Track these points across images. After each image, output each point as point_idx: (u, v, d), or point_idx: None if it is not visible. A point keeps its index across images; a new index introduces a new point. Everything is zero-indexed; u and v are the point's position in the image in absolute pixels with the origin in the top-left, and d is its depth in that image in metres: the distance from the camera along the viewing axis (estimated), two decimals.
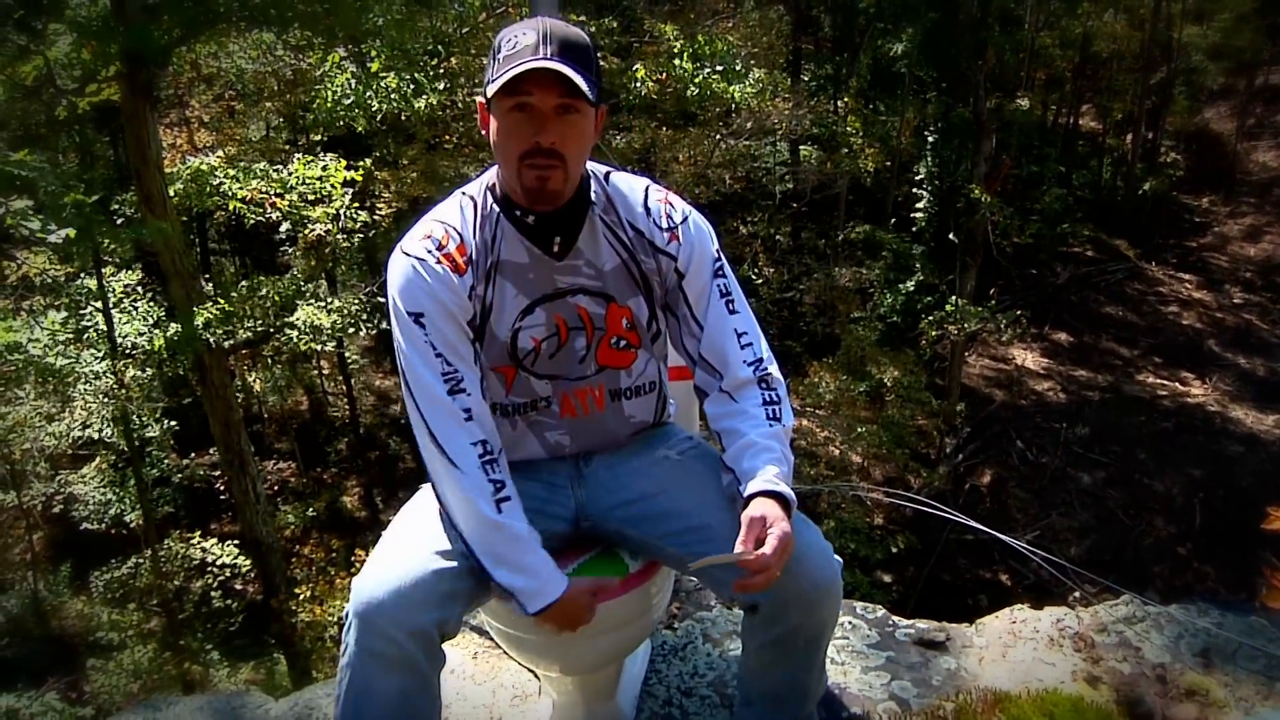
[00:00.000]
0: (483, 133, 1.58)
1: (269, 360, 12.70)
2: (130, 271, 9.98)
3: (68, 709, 8.94)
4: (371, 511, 13.94)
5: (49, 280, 10.94)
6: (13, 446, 9.70)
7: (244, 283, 9.15)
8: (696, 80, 8.41)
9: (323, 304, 8.71)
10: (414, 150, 10.60)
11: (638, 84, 8.69)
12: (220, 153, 9.86)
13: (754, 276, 14.66)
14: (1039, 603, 2.86)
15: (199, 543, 10.07)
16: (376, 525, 12.60)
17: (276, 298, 8.43)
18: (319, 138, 10.40)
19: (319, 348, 8.72)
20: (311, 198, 8.58)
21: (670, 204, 1.68)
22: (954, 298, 13.32)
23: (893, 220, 16.36)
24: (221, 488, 12.30)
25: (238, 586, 11.14)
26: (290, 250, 13.96)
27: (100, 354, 8.42)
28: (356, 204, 9.09)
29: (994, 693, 2.22)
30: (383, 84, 7.57)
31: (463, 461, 1.53)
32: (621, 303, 1.66)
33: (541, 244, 1.61)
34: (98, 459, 11.23)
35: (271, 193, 8.34)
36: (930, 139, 16.36)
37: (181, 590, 10.27)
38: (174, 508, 12.46)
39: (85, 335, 8.76)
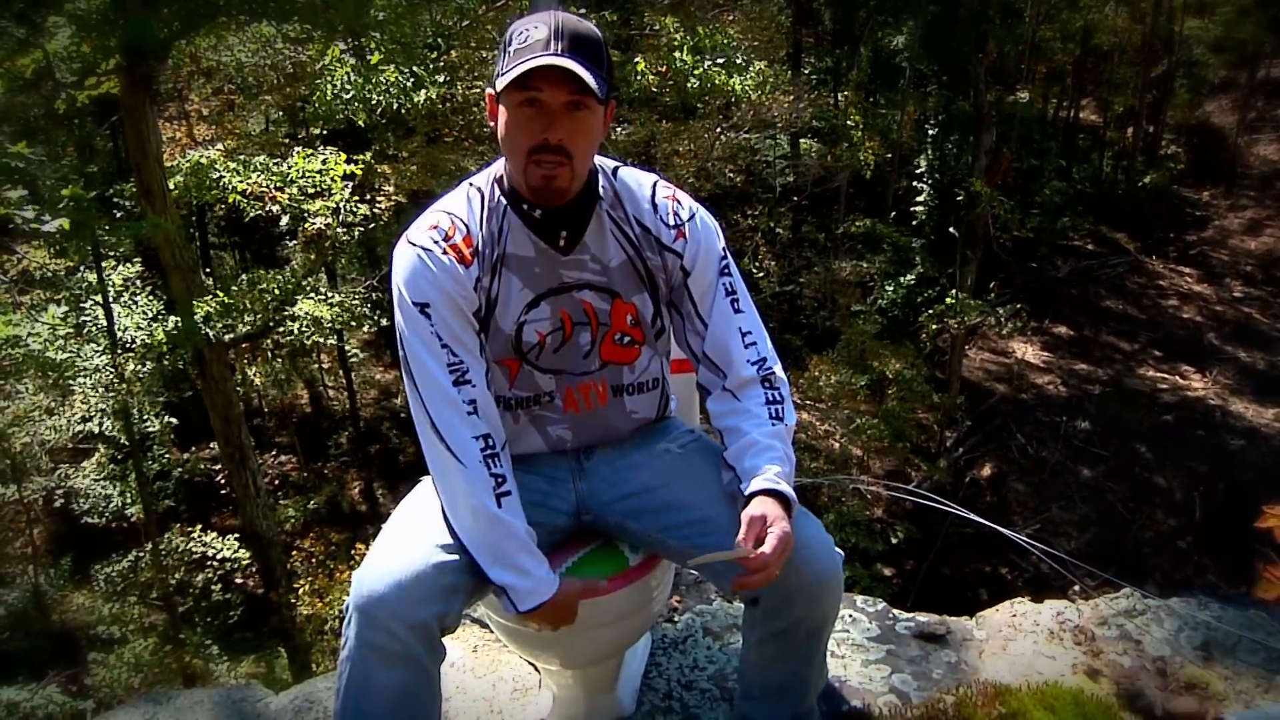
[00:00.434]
0: (490, 125, 1.57)
1: (269, 354, 12.71)
2: (130, 265, 9.95)
3: (68, 702, 8.96)
4: (372, 505, 13.95)
5: (49, 274, 10.93)
6: (13, 440, 9.70)
7: (244, 276, 9.14)
8: (697, 73, 8.40)
9: (323, 298, 8.71)
10: (414, 144, 10.58)
11: (638, 77, 8.68)
12: (220, 146, 9.84)
13: (755, 270, 14.66)
14: (1039, 596, 2.86)
15: (199, 536, 10.07)
16: (377, 519, 12.61)
17: (276, 291, 8.42)
18: (319, 131, 10.36)
19: (319, 341, 8.71)
20: (311, 191, 8.56)
21: (678, 201, 1.68)
22: (954, 291, 13.31)
23: (893, 213, 16.36)
24: (222, 481, 12.30)
25: (238, 580, 11.15)
26: (290, 244, 13.95)
27: (100, 348, 8.42)
28: (356, 197, 9.07)
29: (994, 686, 2.23)
30: (382, 77, 7.55)
31: (464, 454, 1.52)
32: (626, 299, 1.66)
33: (548, 238, 1.60)
34: (98, 453, 11.24)
35: (271, 186, 8.32)
36: (931, 132, 16.36)
37: (182, 584, 10.27)
38: (174, 502, 12.48)
39: (85, 329, 8.75)
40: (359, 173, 8.80)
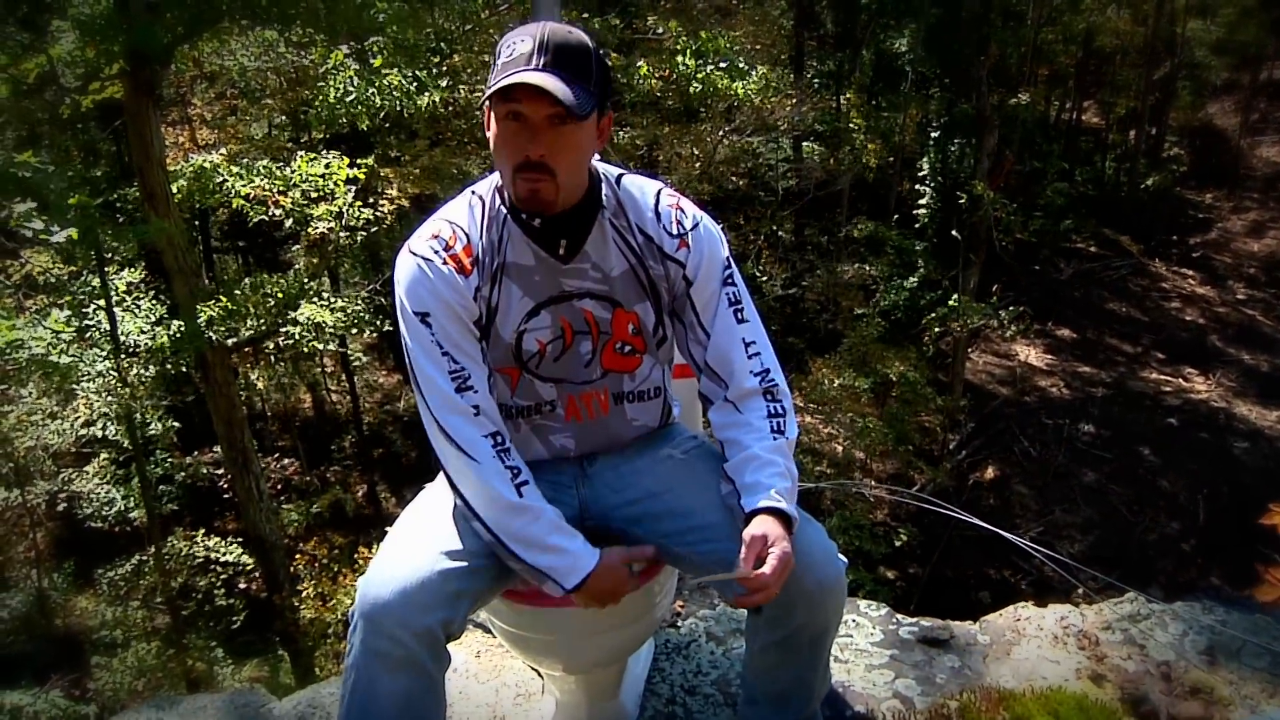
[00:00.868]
0: (486, 135, 1.58)
1: (272, 358, 12.70)
2: (133, 269, 9.98)
3: (72, 706, 8.97)
4: (375, 509, 13.94)
5: (52, 279, 10.95)
6: (17, 444, 9.71)
7: (247, 280, 9.14)
8: (699, 77, 8.40)
9: (326, 302, 8.71)
10: (417, 147, 10.59)
11: (640, 80, 8.69)
12: (223, 150, 9.85)
13: (757, 273, 14.64)
14: (1043, 600, 2.86)
15: (203, 540, 10.09)
16: (380, 522, 12.60)
17: (279, 295, 8.42)
18: (321, 135, 10.38)
19: (321, 346, 8.72)
20: (314, 195, 8.57)
21: (681, 209, 1.67)
22: (957, 294, 13.30)
23: (895, 216, 16.35)
24: (225, 485, 12.33)
25: (241, 584, 11.14)
26: (293, 248, 13.97)
27: (104, 352, 8.43)
28: (359, 201, 9.09)
29: (998, 690, 2.22)
30: (385, 81, 7.56)
31: (477, 452, 1.54)
32: (628, 308, 1.65)
33: (548, 247, 1.60)
34: (101, 457, 11.25)
35: (274, 190, 8.34)
36: (933, 135, 16.35)
37: (185, 588, 10.28)
38: (177, 505, 12.48)
39: (88, 334, 8.76)
40: (362, 177, 8.82)
